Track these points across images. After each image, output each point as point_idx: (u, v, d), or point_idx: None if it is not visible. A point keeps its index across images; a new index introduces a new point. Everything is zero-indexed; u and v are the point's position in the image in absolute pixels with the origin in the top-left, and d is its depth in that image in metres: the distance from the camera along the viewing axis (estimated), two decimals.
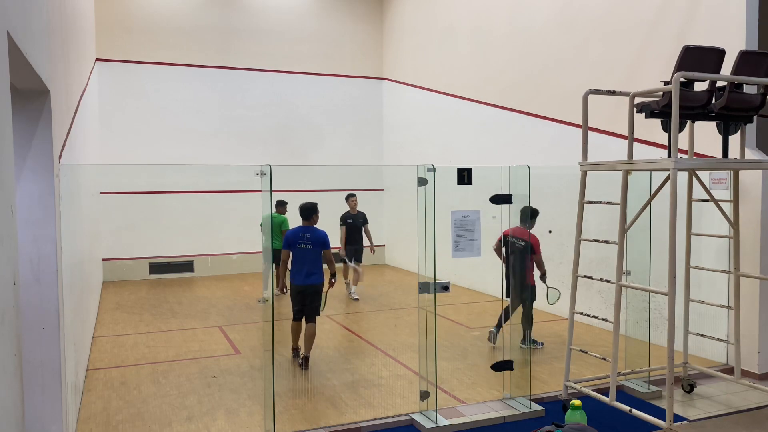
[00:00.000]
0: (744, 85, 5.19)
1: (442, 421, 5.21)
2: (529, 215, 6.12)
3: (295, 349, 7.05)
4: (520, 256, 6.27)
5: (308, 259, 6.76)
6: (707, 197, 5.74)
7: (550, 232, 6.06)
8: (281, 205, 10.42)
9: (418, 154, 13.04)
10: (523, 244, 6.29)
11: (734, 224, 5.85)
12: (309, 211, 6.90)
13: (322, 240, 6.81)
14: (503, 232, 6.65)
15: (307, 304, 6.78)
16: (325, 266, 6.96)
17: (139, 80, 12.98)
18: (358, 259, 10.33)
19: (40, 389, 3.94)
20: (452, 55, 12.08)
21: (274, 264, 7.23)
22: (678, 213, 4.81)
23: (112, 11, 12.66)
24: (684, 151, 5.91)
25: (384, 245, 14.60)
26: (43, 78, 3.56)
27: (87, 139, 8.61)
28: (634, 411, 5.01)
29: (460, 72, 11.84)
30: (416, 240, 5.28)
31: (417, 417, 5.29)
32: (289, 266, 7.10)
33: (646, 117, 5.31)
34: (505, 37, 10.45)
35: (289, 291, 7.13)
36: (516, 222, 5.95)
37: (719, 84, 5.15)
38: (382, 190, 14.64)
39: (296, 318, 6.92)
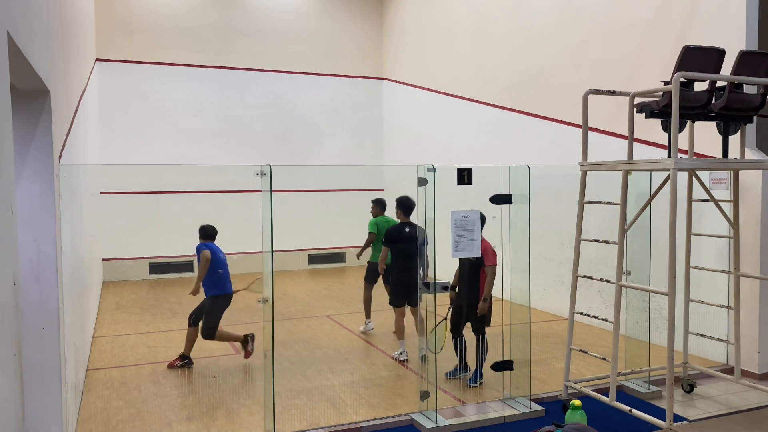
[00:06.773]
0: (744, 85, 5.19)
1: (442, 421, 5.21)
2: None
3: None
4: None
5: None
6: (707, 197, 5.74)
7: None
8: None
9: (418, 154, 13.03)
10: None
11: (734, 224, 5.85)
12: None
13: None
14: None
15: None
16: None
17: (139, 80, 12.97)
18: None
19: (40, 389, 3.94)
20: (452, 55, 12.08)
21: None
22: (678, 213, 4.81)
23: (112, 11, 12.65)
24: (684, 151, 5.91)
25: None
26: (43, 78, 3.56)
27: (87, 139, 8.62)
28: (634, 411, 5.01)
29: (460, 72, 11.84)
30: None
31: (417, 417, 5.29)
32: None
33: (646, 117, 5.30)
34: (505, 37, 10.45)
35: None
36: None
37: (719, 84, 5.14)
38: (382, 190, 14.63)
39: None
